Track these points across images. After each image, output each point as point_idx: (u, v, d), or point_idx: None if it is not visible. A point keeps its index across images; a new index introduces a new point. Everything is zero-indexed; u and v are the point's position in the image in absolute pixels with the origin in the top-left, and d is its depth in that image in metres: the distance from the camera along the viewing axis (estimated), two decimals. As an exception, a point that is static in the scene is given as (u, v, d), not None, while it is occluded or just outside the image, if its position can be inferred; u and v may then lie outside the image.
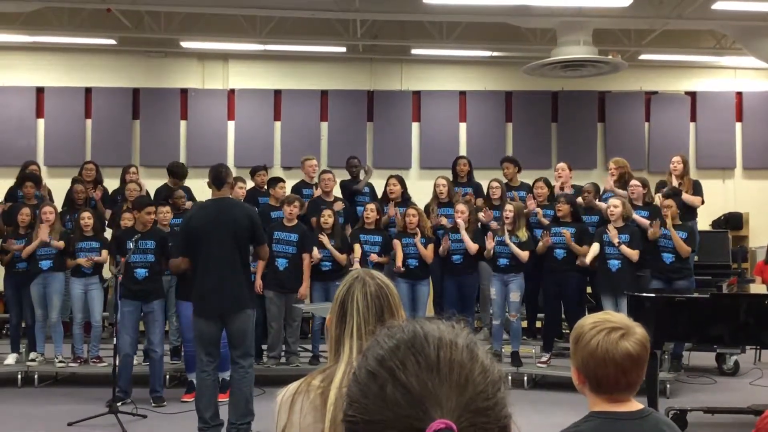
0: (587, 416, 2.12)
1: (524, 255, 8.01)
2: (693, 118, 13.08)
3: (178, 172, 9.44)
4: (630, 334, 2.05)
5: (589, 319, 2.13)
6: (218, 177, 6.08)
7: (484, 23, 11.32)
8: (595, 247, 7.91)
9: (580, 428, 2.10)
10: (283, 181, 9.07)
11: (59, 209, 8.78)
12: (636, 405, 2.12)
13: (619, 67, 11.01)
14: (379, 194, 9.34)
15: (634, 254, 7.75)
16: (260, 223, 6.31)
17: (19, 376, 8.09)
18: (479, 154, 11.38)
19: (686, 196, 8.40)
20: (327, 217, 8.22)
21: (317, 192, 9.05)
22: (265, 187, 9.16)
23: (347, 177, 9.52)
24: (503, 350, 8.23)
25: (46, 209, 8.18)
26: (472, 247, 8.15)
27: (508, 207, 8.18)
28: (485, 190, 9.12)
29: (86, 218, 8.16)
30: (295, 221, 8.14)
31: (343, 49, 12.43)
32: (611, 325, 2.06)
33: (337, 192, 9.22)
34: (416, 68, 12.92)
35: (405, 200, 8.92)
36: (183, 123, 12.69)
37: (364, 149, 12.49)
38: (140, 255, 7.31)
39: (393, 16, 10.96)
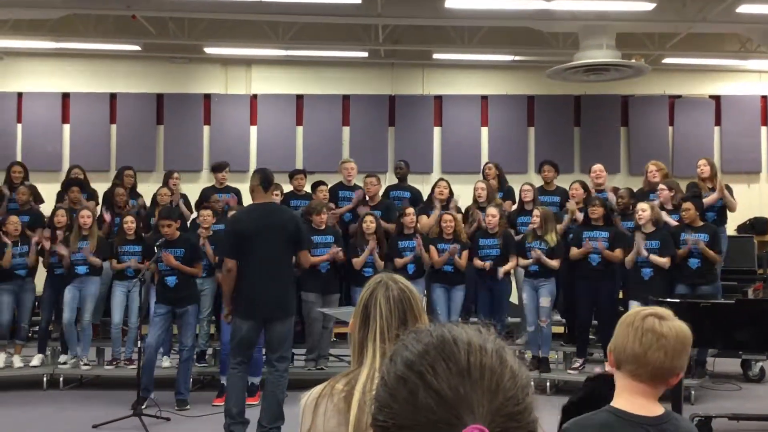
0: (605, 407, 2.11)
1: (554, 264, 7.83)
2: (717, 122, 12.96)
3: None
4: (675, 320, 2.11)
5: (631, 313, 2.16)
6: (267, 179, 6.08)
7: (506, 27, 11.29)
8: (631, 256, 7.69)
9: (593, 419, 2.10)
10: (325, 185, 9.12)
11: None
12: (658, 409, 2.09)
13: (643, 70, 10.93)
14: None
15: (664, 262, 7.55)
16: (305, 228, 6.32)
17: (45, 379, 8.18)
18: (501, 159, 11.27)
19: (727, 196, 8.25)
20: (369, 223, 8.15)
21: (358, 194, 8.96)
22: (304, 190, 9.29)
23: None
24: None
25: (83, 213, 8.23)
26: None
27: (535, 212, 8.02)
28: (517, 195, 9.04)
29: (129, 222, 8.20)
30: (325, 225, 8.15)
31: (365, 54, 12.46)
32: (658, 313, 2.11)
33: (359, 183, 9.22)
34: (438, 73, 12.91)
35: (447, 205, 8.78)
36: (206, 128, 12.78)
37: (385, 154, 12.51)
38: None
39: (415, 21, 10.95)
